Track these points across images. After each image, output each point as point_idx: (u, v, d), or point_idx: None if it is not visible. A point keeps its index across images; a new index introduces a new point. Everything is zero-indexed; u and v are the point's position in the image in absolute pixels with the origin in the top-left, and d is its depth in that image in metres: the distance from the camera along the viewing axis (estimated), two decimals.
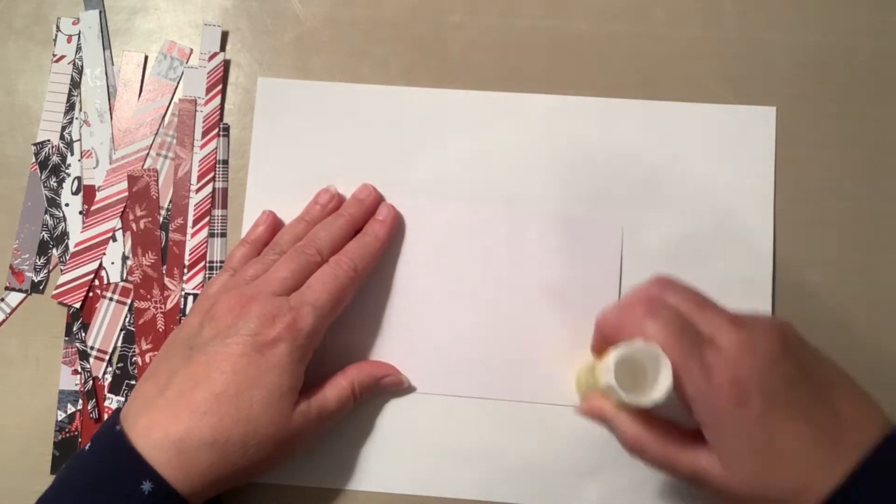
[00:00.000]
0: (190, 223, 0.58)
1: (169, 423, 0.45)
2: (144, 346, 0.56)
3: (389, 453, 0.55)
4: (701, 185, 0.57)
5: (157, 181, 0.58)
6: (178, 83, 0.60)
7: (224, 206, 0.58)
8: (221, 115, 0.59)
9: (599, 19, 0.60)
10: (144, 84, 0.60)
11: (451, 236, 0.57)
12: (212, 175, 0.58)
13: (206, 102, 0.59)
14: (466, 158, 0.58)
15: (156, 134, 0.59)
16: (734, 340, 0.42)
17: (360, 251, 0.53)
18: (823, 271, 0.56)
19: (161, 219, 0.58)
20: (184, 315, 0.57)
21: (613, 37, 0.59)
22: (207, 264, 0.57)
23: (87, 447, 0.47)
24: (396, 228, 0.56)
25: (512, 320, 0.56)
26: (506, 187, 0.57)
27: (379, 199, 0.57)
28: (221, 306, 0.49)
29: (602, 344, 0.47)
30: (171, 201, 0.58)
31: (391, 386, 0.55)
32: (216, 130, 0.59)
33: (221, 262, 0.57)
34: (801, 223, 0.57)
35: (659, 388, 0.42)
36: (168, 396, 0.46)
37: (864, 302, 0.56)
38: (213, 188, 0.58)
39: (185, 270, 0.57)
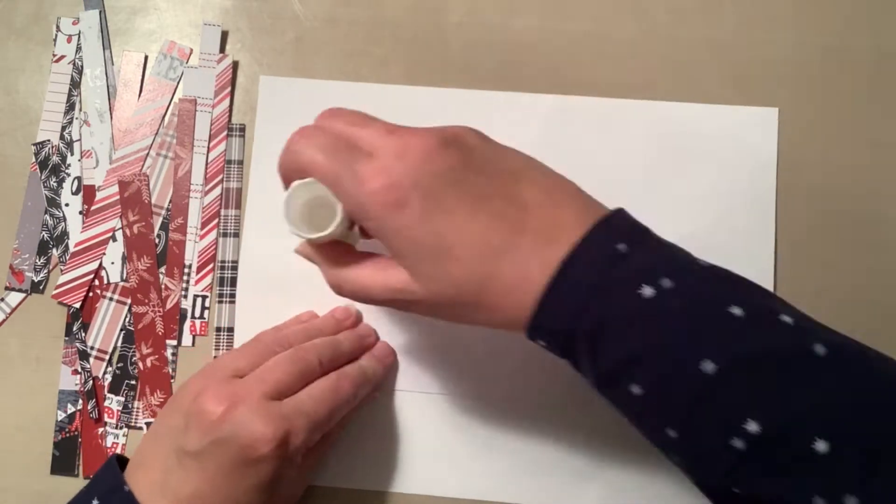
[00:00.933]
0: (199, 225, 0.58)
1: None
2: (145, 351, 0.56)
3: (389, 453, 0.55)
4: (702, 186, 0.57)
5: (147, 185, 0.58)
6: (178, 83, 0.60)
7: (238, 206, 0.58)
8: (230, 116, 0.59)
9: (599, 19, 0.60)
10: (144, 84, 0.60)
11: None
12: (221, 176, 0.58)
13: (216, 104, 0.59)
14: None
15: (156, 134, 0.59)
16: (386, 144, 0.41)
17: (361, 380, 0.51)
18: (823, 271, 0.56)
19: (161, 219, 0.58)
20: (183, 317, 0.57)
21: (613, 37, 0.59)
22: (219, 264, 0.57)
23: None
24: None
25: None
26: None
27: (376, 339, 0.56)
28: (205, 403, 0.45)
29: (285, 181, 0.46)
30: (170, 201, 0.58)
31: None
32: (225, 132, 0.59)
33: (234, 261, 0.57)
34: (801, 223, 0.56)
35: (333, 217, 0.42)
36: (168, 499, 0.45)
37: (864, 302, 0.56)
38: (224, 188, 0.58)
39: (194, 272, 0.57)
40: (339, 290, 0.45)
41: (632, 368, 0.39)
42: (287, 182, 0.44)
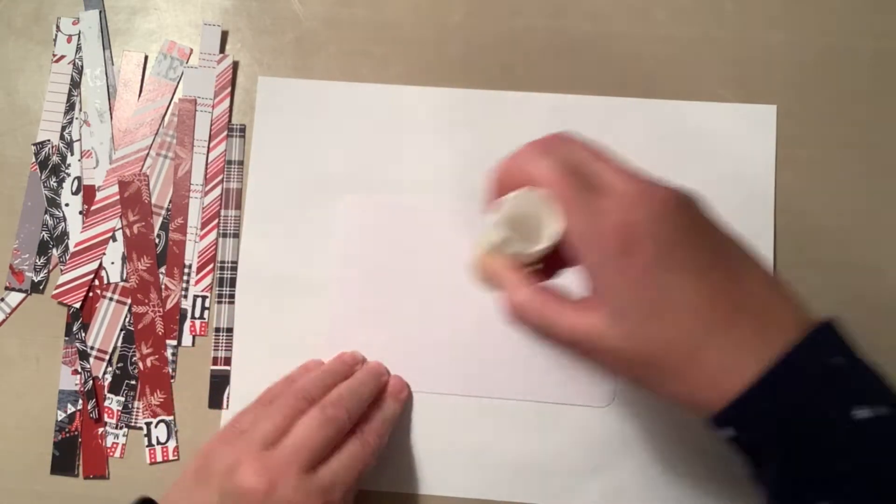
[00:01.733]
0: (199, 225, 0.58)
1: None
2: (145, 351, 0.56)
3: (390, 452, 0.55)
4: (701, 184, 0.56)
5: (147, 185, 0.58)
6: (178, 83, 0.60)
7: (238, 207, 0.58)
8: (230, 116, 0.59)
9: (599, 19, 0.59)
10: (144, 84, 0.60)
11: (452, 235, 0.57)
12: (221, 178, 0.58)
13: (216, 105, 0.59)
14: (467, 157, 0.58)
15: (156, 134, 0.59)
16: (628, 187, 0.39)
17: (384, 428, 0.52)
18: (823, 269, 0.56)
19: (161, 219, 0.58)
20: (183, 317, 0.57)
21: (613, 37, 0.59)
22: (218, 265, 0.57)
23: None
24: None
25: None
26: None
27: (388, 377, 0.56)
28: (244, 479, 0.45)
29: (495, 195, 0.43)
30: (170, 201, 0.58)
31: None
32: (225, 133, 0.59)
33: (233, 262, 0.57)
34: (801, 223, 0.56)
35: (547, 234, 0.39)
36: None
37: (864, 302, 0.56)
38: (224, 189, 0.58)
39: (194, 273, 0.57)
40: (521, 316, 0.41)
41: (829, 486, 0.36)
42: (498, 189, 0.42)
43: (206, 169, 0.58)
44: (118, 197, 0.58)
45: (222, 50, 0.60)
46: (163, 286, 0.57)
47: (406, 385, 0.55)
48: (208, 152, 0.59)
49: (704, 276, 0.38)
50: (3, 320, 0.58)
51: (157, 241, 0.58)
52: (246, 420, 0.50)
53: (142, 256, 0.57)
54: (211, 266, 0.57)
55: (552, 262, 0.42)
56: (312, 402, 0.49)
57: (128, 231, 0.58)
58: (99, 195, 0.58)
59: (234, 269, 0.57)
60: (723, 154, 0.57)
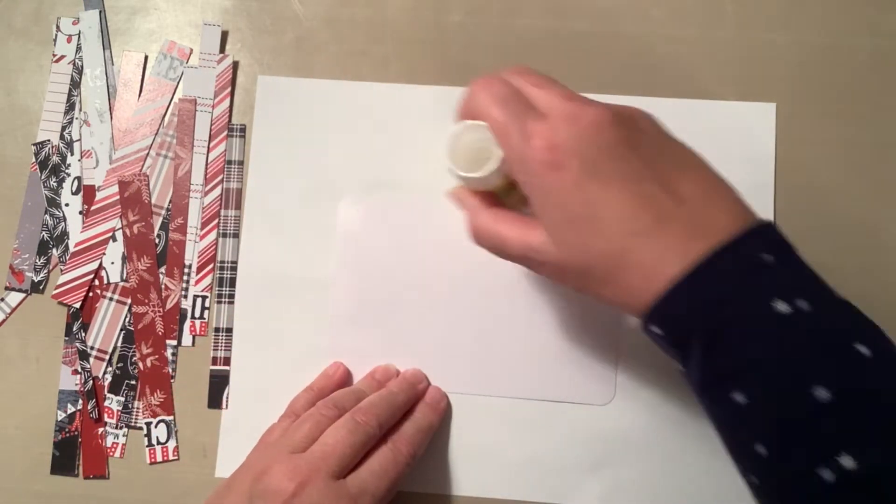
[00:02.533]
0: (199, 225, 0.58)
1: None
2: (145, 350, 0.56)
3: None
4: None
5: (148, 185, 0.58)
6: (178, 83, 0.60)
7: (238, 207, 0.58)
8: (230, 116, 0.59)
9: (599, 19, 0.60)
10: (144, 84, 0.60)
11: (452, 234, 0.57)
12: (221, 177, 0.58)
13: (216, 105, 0.59)
14: None
15: (155, 134, 0.59)
16: (561, 108, 0.42)
17: (418, 437, 0.51)
18: (822, 268, 0.56)
19: (161, 219, 0.58)
20: (183, 317, 0.57)
21: (613, 37, 0.59)
22: (218, 265, 0.57)
23: None
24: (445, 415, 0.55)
25: (514, 319, 0.56)
26: None
27: (427, 385, 0.55)
28: (272, 481, 0.45)
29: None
30: (170, 201, 0.58)
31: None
32: (225, 133, 0.59)
33: (233, 262, 0.57)
34: (800, 221, 0.56)
35: (488, 162, 0.43)
36: None
37: (864, 302, 0.56)
38: (224, 189, 0.58)
39: (194, 273, 0.57)
40: (478, 236, 0.46)
41: (743, 375, 0.38)
42: (458, 117, 0.46)
43: (206, 169, 0.58)
44: (118, 197, 0.58)
45: (222, 50, 0.60)
46: (163, 286, 0.57)
47: (445, 396, 0.55)
48: (208, 152, 0.59)
49: (631, 187, 0.40)
50: (3, 320, 0.58)
51: (157, 241, 0.58)
52: (275, 433, 0.51)
53: (142, 256, 0.57)
54: (211, 266, 0.57)
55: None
56: (343, 410, 0.50)
57: (128, 231, 0.58)
58: (99, 195, 0.58)
59: (234, 269, 0.57)
60: (722, 152, 0.56)
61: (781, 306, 0.38)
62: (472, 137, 0.44)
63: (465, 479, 0.55)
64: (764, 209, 0.56)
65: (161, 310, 0.57)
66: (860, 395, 0.36)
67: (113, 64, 0.61)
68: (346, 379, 0.56)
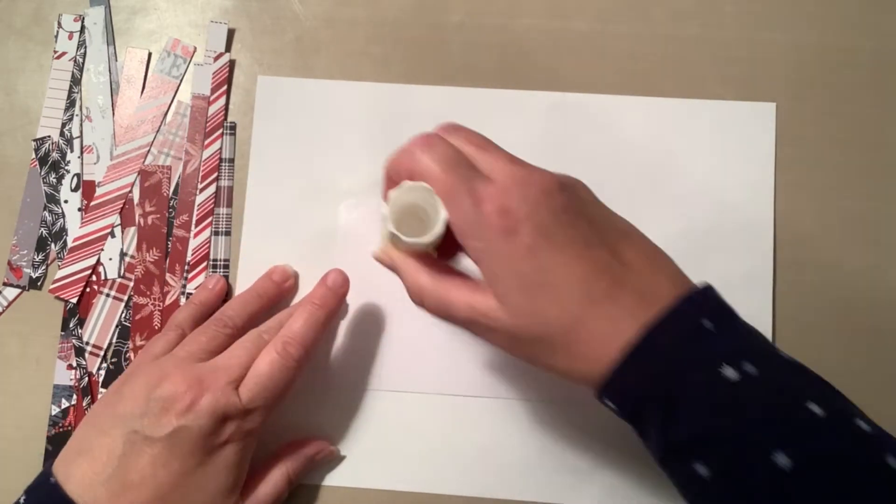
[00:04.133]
0: (193, 222, 0.57)
1: None
2: (139, 342, 0.56)
3: (389, 450, 0.55)
4: (701, 181, 0.57)
5: (169, 178, 0.58)
6: (181, 81, 0.60)
7: (229, 205, 0.58)
8: (226, 114, 0.59)
9: (599, 19, 0.60)
10: (147, 81, 0.60)
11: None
12: (216, 175, 0.58)
13: (212, 102, 0.59)
14: None
15: (157, 131, 0.59)
16: (508, 172, 0.41)
17: (311, 335, 0.51)
18: (823, 267, 0.56)
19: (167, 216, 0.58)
20: None
21: (613, 37, 0.60)
22: (211, 262, 0.57)
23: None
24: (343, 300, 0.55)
25: None
26: None
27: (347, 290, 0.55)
28: (170, 387, 0.46)
29: (387, 188, 0.45)
30: (176, 198, 0.58)
31: (325, 460, 0.54)
32: (221, 130, 0.59)
33: (225, 260, 0.57)
34: (801, 222, 0.57)
35: (433, 227, 0.41)
36: (111, 488, 0.45)
37: (864, 302, 0.56)
38: (218, 187, 0.58)
39: (187, 269, 0.57)
40: (420, 299, 0.44)
41: (703, 447, 0.38)
42: (390, 182, 0.44)
43: (201, 167, 0.58)
44: (119, 193, 0.58)
45: (228, 48, 0.60)
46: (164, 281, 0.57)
47: (347, 280, 0.55)
48: (202, 150, 0.58)
49: (582, 254, 0.40)
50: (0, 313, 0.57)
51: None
52: (158, 345, 0.51)
53: (151, 248, 0.57)
54: (204, 264, 0.57)
55: (451, 243, 0.43)
56: (236, 328, 0.52)
57: (142, 221, 0.58)
58: (99, 191, 0.58)
59: (227, 266, 0.57)
60: (722, 151, 0.57)
61: (729, 372, 0.38)
62: (409, 199, 0.43)
63: (465, 479, 0.54)
64: (764, 209, 0.56)
65: (161, 304, 0.56)
66: (819, 459, 0.36)
67: (116, 60, 0.61)
68: (225, 291, 0.56)
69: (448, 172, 0.41)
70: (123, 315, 0.57)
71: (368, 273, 0.56)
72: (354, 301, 0.56)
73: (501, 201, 0.40)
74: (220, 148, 0.58)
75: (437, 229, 0.41)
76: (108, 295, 0.57)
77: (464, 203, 0.40)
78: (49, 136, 0.59)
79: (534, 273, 0.40)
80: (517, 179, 0.41)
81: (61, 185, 0.59)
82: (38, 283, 0.58)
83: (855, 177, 0.57)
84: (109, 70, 0.60)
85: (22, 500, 0.46)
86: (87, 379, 0.55)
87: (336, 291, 0.53)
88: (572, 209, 0.41)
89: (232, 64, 0.60)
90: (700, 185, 0.57)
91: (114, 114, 0.60)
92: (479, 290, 0.42)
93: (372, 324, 0.56)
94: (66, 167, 0.59)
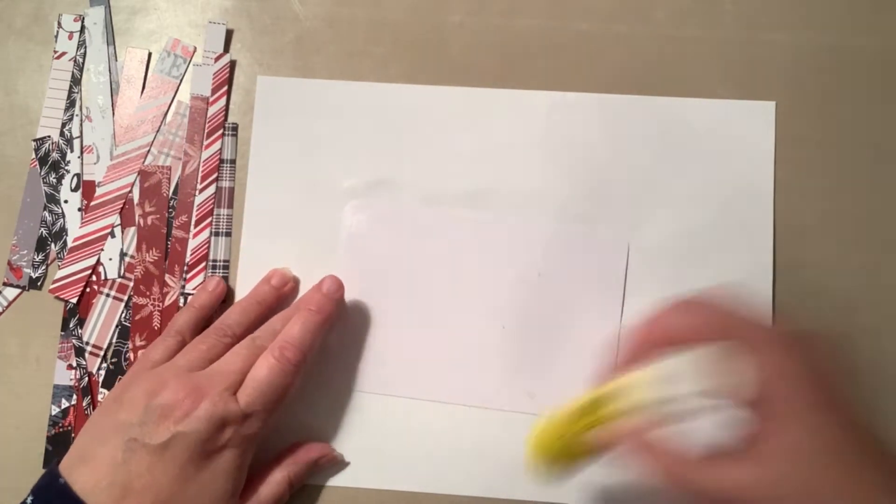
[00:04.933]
0: (192, 223, 0.57)
1: None
2: (139, 342, 0.56)
3: (389, 451, 0.55)
4: (701, 181, 0.57)
5: (169, 179, 0.58)
6: (181, 81, 0.60)
7: (230, 206, 0.58)
8: (226, 115, 0.59)
9: (599, 19, 0.60)
10: (147, 81, 0.60)
11: (452, 243, 0.57)
12: (215, 175, 0.58)
13: (212, 102, 0.59)
14: (467, 155, 0.58)
15: (157, 131, 0.59)
16: (772, 336, 0.40)
17: (308, 339, 0.51)
18: (823, 266, 0.56)
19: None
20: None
21: (613, 37, 0.60)
22: (210, 263, 0.57)
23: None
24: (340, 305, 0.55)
25: (513, 331, 0.56)
26: (507, 184, 0.57)
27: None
28: (169, 395, 0.47)
29: (634, 356, 0.43)
30: (176, 198, 0.58)
31: (327, 465, 0.54)
32: (221, 131, 0.59)
33: (225, 261, 0.57)
34: (801, 222, 0.56)
35: (747, 378, 0.38)
36: (113, 495, 0.45)
37: (864, 302, 0.56)
38: (218, 187, 0.58)
39: (186, 270, 0.57)
40: (675, 481, 0.41)
41: None
42: (638, 353, 0.42)
43: (201, 167, 0.58)
44: (119, 193, 0.58)
45: (226, 48, 0.60)
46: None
47: (342, 285, 0.54)
48: (202, 150, 0.58)
49: (839, 416, 0.38)
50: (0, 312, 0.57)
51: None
52: (157, 350, 0.51)
53: (151, 248, 0.57)
54: (203, 265, 0.57)
55: None
56: (235, 338, 0.52)
57: (142, 221, 0.58)
58: (99, 191, 0.58)
59: (227, 267, 0.57)
60: (722, 151, 0.57)
61: None
62: (679, 364, 0.40)
63: (466, 479, 0.54)
64: (763, 209, 0.56)
65: (161, 304, 0.56)
66: None
67: (116, 60, 0.61)
68: (224, 293, 0.56)
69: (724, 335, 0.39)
70: (123, 315, 0.57)
71: (371, 275, 0.56)
72: (355, 303, 0.56)
73: (797, 365, 0.39)
74: (221, 149, 0.58)
75: (743, 387, 0.38)
76: (108, 295, 0.57)
77: (770, 362, 0.39)
78: (49, 136, 0.59)
79: (811, 439, 0.38)
80: (787, 342, 0.39)
81: (61, 185, 0.59)
82: (38, 283, 0.58)
83: (854, 177, 0.57)
84: (109, 70, 0.60)
85: (29, 501, 0.46)
86: (87, 379, 0.55)
87: (331, 297, 0.53)
88: (822, 367, 0.40)
89: (232, 64, 0.60)
90: (700, 185, 0.57)
91: (114, 114, 0.59)
92: (729, 462, 0.39)
93: (374, 326, 0.56)
94: (66, 167, 0.59)
